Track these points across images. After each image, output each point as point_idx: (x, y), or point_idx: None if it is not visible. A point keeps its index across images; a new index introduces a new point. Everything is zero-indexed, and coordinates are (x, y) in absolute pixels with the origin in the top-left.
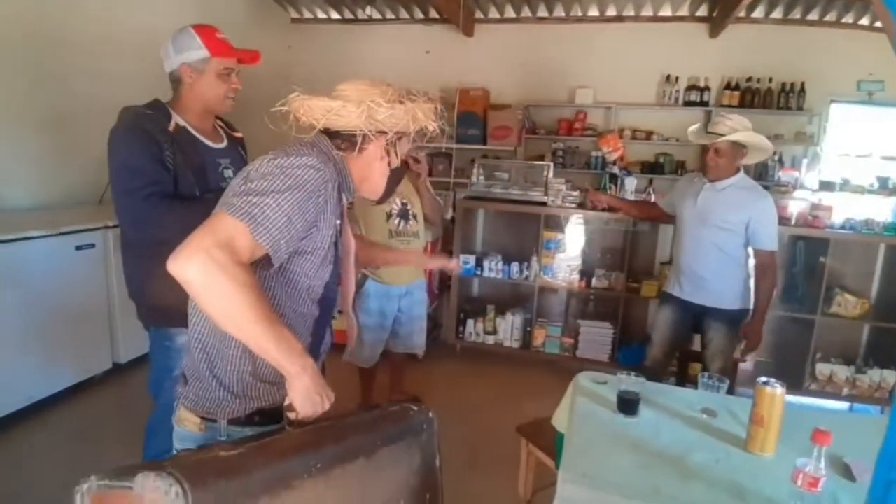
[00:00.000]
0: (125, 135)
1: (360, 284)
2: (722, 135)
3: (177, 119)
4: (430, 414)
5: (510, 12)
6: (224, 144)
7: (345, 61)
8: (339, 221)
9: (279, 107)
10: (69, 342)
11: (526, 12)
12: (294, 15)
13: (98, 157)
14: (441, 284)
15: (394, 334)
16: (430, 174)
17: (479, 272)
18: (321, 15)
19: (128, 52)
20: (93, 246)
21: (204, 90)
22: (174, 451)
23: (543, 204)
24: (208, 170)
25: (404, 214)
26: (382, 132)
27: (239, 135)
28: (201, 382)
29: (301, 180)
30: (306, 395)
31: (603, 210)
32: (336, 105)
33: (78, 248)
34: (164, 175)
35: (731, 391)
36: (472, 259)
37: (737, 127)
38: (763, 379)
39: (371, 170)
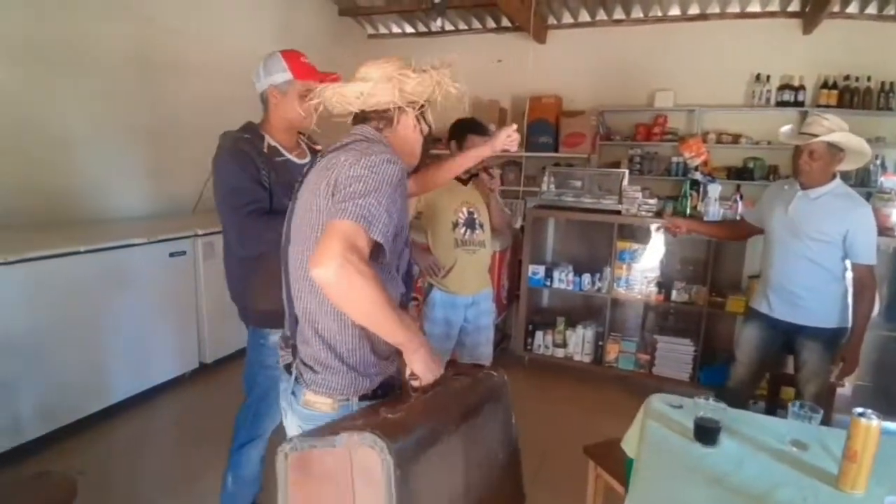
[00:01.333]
0: (228, 158)
1: (425, 293)
2: (817, 135)
3: (268, 140)
4: (505, 377)
5: (584, 16)
6: (307, 160)
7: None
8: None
9: (312, 101)
10: (163, 342)
11: (601, 15)
12: (370, 31)
13: (193, 172)
14: (510, 295)
15: (460, 344)
16: (501, 184)
17: (548, 283)
18: (396, 30)
19: (220, 74)
20: (184, 253)
21: (287, 110)
22: (299, 430)
23: (618, 213)
24: (296, 186)
25: (471, 224)
26: (412, 102)
27: (319, 147)
28: (330, 370)
29: (387, 175)
30: (426, 365)
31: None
32: (367, 86)
33: (171, 254)
34: (262, 193)
35: (826, 420)
36: (541, 269)
37: (833, 128)
38: (859, 410)
39: (407, 142)
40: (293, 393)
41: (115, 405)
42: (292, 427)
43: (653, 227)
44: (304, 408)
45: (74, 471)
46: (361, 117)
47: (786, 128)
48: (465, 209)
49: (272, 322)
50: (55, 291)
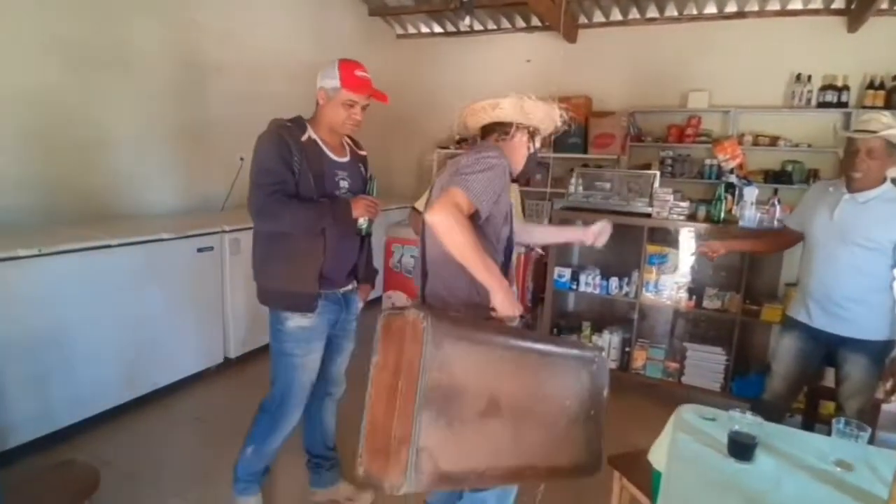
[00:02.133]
0: (266, 139)
1: None
2: (876, 132)
3: (310, 132)
4: (603, 354)
5: (616, 15)
6: (346, 159)
7: (448, 74)
8: (505, 198)
9: (456, 117)
10: (189, 336)
11: (634, 14)
12: (399, 31)
13: (225, 170)
14: (534, 297)
15: None
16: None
17: (574, 286)
18: (425, 30)
19: (255, 73)
20: (211, 248)
21: (330, 113)
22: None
23: (648, 216)
24: (326, 177)
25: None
26: (527, 125)
27: (363, 153)
28: (445, 304)
29: (489, 165)
30: (503, 302)
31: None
32: (498, 101)
33: (199, 250)
34: (288, 176)
35: (871, 439)
36: (567, 272)
37: (892, 125)
38: None
39: (515, 153)
40: None
41: (142, 397)
42: None
43: (683, 230)
44: None
45: (99, 460)
46: (487, 130)
47: (837, 124)
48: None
49: (287, 303)
50: (86, 284)
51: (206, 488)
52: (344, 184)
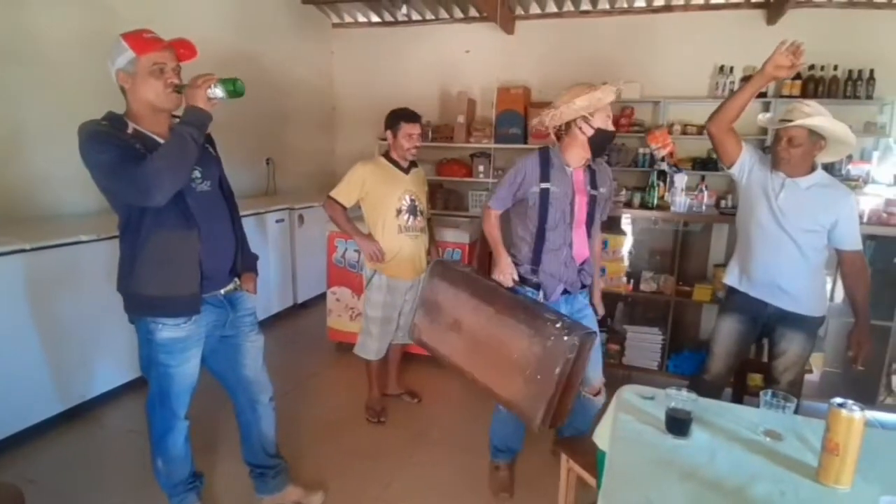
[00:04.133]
0: (88, 139)
1: (367, 278)
2: (791, 121)
3: (133, 126)
4: (566, 338)
5: (552, 7)
6: None
7: (386, 63)
8: (544, 187)
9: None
10: (117, 345)
11: (568, 6)
12: (335, 20)
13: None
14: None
15: (400, 328)
16: (470, 175)
17: None
18: (361, 19)
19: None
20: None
21: (142, 91)
22: None
23: None
24: None
25: (413, 210)
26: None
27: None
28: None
29: (506, 175)
30: (498, 271)
31: None
32: (553, 111)
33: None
34: (137, 151)
35: (795, 407)
36: None
37: (813, 113)
38: (838, 400)
39: (575, 141)
40: None
41: (69, 411)
42: None
43: (622, 217)
44: None
45: (23, 479)
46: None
47: (765, 115)
48: (407, 196)
49: (165, 310)
50: None
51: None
52: (196, 172)
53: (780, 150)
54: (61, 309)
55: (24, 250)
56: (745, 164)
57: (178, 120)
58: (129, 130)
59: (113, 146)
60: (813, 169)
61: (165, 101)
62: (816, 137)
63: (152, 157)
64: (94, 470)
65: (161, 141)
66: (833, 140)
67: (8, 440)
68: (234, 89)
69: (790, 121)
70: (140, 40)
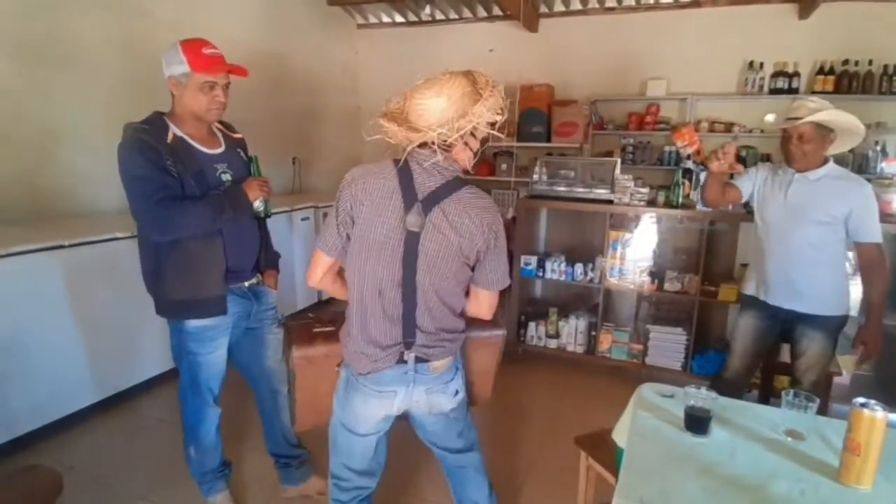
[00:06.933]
0: (128, 147)
1: None
2: (800, 118)
3: (174, 130)
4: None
5: (576, 4)
6: (221, 150)
7: (410, 63)
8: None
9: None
10: (151, 337)
11: (593, 3)
12: (360, 21)
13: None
14: None
15: None
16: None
17: (540, 273)
18: (386, 19)
19: None
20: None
21: (188, 102)
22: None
23: (610, 202)
24: (207, 174)
25: None
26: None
27: (237, 136)
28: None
29: None
30: None
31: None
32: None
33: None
34: (169, 180)
35: (823, 410)
36: (533, 260)
37: (818, 108)
38: (861, 400)
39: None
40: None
41: (105, 400)
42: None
43: (644, 216)
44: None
45: (63, 465)
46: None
47: (770, 115)
48: None
49: (196, 312)
50: (40, 286)
51: (172, 490)
52: (226, 177)
53: (792, 147)
54: (98, 303)
55: (62, 246)
56: (753, 189)
57: (228, 177)
58: (169, 137)
59: (149, 169)
60: (824, 162)
61: (207, 116)
62: (826, 131)
63: (184, 209)
64: (129, 458)
65: (200, 147)
66: (842, 132)
67: (48, 427)
68: (264, 209)
69: (797, 118)
70: (199, 57)
